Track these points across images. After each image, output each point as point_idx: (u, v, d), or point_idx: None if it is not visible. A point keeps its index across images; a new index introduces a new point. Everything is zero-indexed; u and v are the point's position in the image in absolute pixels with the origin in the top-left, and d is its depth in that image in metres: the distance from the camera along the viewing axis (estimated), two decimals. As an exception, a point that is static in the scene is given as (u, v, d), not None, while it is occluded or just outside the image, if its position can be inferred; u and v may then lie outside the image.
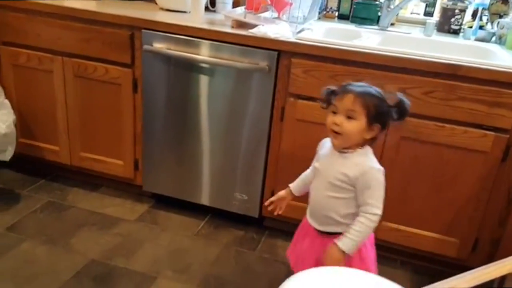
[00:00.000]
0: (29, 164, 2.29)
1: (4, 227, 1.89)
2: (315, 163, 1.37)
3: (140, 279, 1.68)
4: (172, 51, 1.82)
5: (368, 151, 1.28)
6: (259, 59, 1.74)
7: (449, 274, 1.10)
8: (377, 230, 1.82)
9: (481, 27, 2.05)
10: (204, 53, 1.80)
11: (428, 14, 2.28)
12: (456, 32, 2.11)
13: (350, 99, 1.22)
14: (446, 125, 1.62)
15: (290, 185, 1.49)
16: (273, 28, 1.73)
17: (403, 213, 1.77)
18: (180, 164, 2.01)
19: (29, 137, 2.20)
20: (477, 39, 2.01)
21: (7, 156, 1.99)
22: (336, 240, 1.25)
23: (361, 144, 1.27)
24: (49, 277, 1.64)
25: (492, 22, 2.05)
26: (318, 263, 1.31)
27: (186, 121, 1.93)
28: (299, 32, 1.80)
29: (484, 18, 2.09)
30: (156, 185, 2.10)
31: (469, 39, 2.02)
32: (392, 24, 2.15)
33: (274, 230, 2.02)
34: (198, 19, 1.90)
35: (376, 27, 2.08)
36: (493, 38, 1.99)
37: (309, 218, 1.39)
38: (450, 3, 2.08)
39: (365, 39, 1.86)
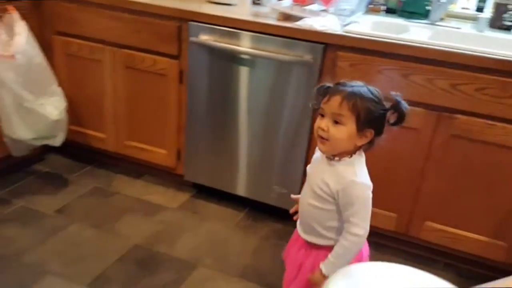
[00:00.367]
0: (77, 150, 2.38)
1: (53, 209, 1.98)
2: (307, 166, 1.27)
3: (181, 265, 1.72)
4: (217, 43, 1.84)
5: (355, 161, 1.13)
6: (304, 52, 1.73)
7: (495, 278, 1.06)
8: (419, 230, 1.80)
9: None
10: (248, 45, 1.81)
11: (480, 9, 2.19)
12: (508, 29, 2.02)
13: (337, 101, 1.08)
14: (497, 124, 1.56)
15: None
16: (320, 20, 1.72)
17: (450, 213, 1.72)
18: (220, 155, 2.04)
19: (78, 124, 2.28)
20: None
21: (58, 141, 2.07)
22: (321, 264, 1.17)
23: (353, 151, 1.14)
24: (94, 259, 1.70)
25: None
26: (300, 273, 1.25)
27: (228, 113, 1.94)
28: (346, 25, 1.77)
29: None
30: (196, 175, 2.14)
31: (522, 35, 1.93)
32: (441, 19, 2.08)
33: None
34: (244, 11, 1.91)
35: (425, 21, 2.02)
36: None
37: (297, 225, 1.30)
38: (504, -2, 1.99)
39: (414, 33, 1.81)
